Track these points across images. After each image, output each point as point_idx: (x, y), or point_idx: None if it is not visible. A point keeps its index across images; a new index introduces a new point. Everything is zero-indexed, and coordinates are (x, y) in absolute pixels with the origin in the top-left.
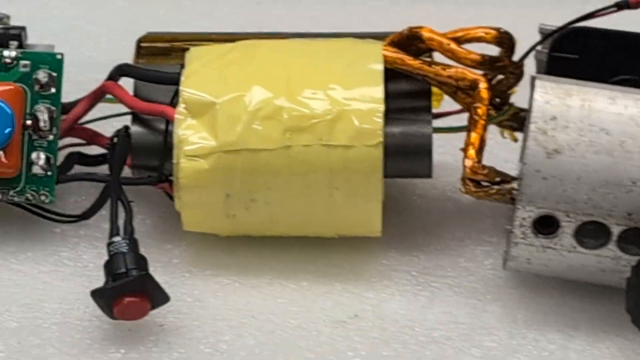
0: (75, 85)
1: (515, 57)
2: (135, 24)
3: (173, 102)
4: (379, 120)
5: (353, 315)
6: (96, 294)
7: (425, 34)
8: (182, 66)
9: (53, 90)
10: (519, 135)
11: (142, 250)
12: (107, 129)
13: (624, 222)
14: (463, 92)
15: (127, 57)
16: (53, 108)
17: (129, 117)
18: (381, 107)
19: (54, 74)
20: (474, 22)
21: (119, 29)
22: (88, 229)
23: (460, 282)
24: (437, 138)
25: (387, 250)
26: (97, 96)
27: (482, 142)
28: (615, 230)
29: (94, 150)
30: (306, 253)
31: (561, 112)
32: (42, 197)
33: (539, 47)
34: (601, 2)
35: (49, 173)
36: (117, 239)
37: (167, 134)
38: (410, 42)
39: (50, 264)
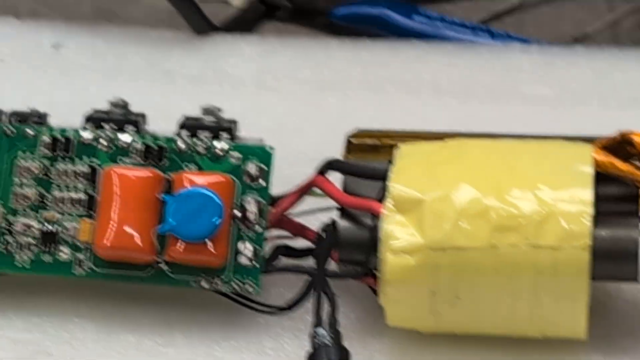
0: (283, 179)
1: None
2: (344, 120)
3: (381, 198)
4: (588, 222)
5: None
6: None
7: (637, 139)
8: (391, 162)
9: (262, 182)
10: None
11: (345, 343)
12: (314, 222)
13: None
14: None
15: (336, 152)
16: (261, 200)
17: (336, 211)
18: (590, 209)
19: (264, 167)
20: None
21: (329, 125)
22: (292, 320)
23: None
24: None
25: (592, 353)
26: (305, 190)
27: None
28: None
29: (301, 242)
30: (509, 353)
31: None
32: (248, 288)
33: None
34: None
35: (256, 264)
36: (320, 331)
37: (374, 229)
38: (621, 146)
39: (253, 353)
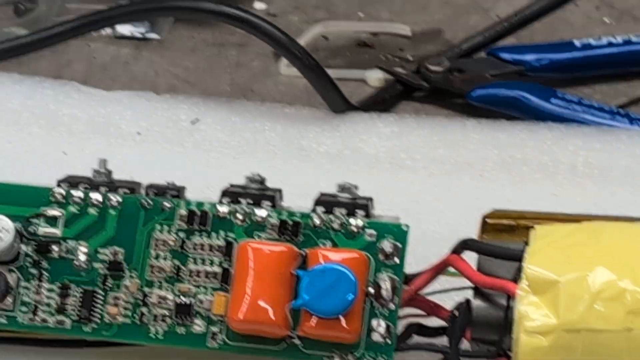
0: (417, 257)
1: None
2: (479, 200)
3: (515, 278)
4: None
5: None
6: None
7: None
8: (526, 243)
9: (397, 260)
10: None
11: None
12: (448, 301)
13: None
14: None
15: (470, 232)
16: (396, 278)
17: (469, 291)
18: None
19: (399, 245)
20: None
21: (464, 205)
22: None
23: None
24: None
25: None
26: (439, 269)
27: None
28: None
29: (434, 321)
30: None
31: None
32: None
33: None
34: None
35: (389, 341)
36: None
37: (508, 309)
38: None
39: None
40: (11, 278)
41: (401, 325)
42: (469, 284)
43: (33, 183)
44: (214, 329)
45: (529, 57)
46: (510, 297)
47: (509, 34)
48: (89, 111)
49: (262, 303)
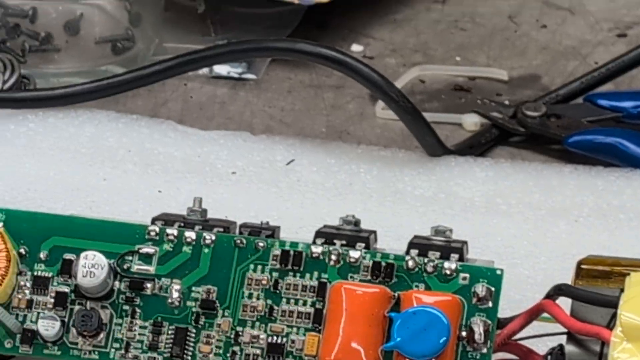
0: (510, 302)
1: None
2: (575, 246)
3: (610, 325)
4: None
5: None
6: None
7: None
8: (622, 290)
9: (490, 304)
10: None
11: None
12: (541, 346)
13: None
14: None
15: (564, 278)
16: (489, 322)
17: (563, 337)
18: None
19: (492, 289)
20: None
21: (559, 251)
22: None
23: None
24: None
25: None
26: (533, 314)
27: None
28: None
29: None
30: None
31: None
32: None
33: None
34: None
35: None
36: None
37: (602, 356)
38: None
39: None
40: (104, 314)
41: None
42: (562, 329)
43: (127, 220)
44: None
45: (627, 103)
46: (604, 343)
47: (607, 81)
48: (185, 150)
49: (354, 344)
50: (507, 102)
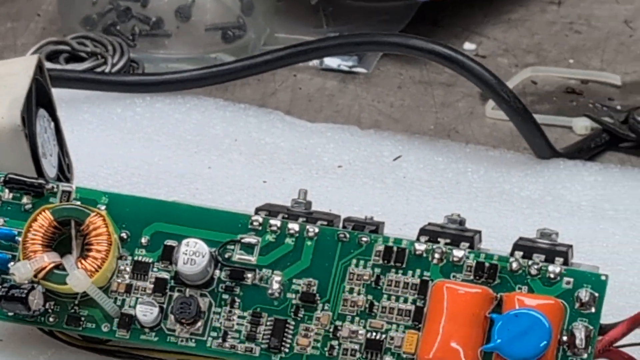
0: (613, 309)
1: None
2: None
3: None
4: None
5: None
6: None
7: None
8: None
9: (593, 309)
10: None
11: None
12: None
13: None
14: None
15: None
16: (591, 327)
17: None
18: None
19: (596, 294)
20: None
21: None
22: None
23: None
24: None
25: None
26: (636, 321)
27: None
28: None
29: None
30: None
31: None
32: None
33: None
34: None
35: None
36: None
37: None
38: None
39: None
40: (203, 303)
41: None
42: None
43: (231, 209)
44: None
45: None
46: None
47: None
48: (292, 141)
49: (453, 344)
50: (619, 107)
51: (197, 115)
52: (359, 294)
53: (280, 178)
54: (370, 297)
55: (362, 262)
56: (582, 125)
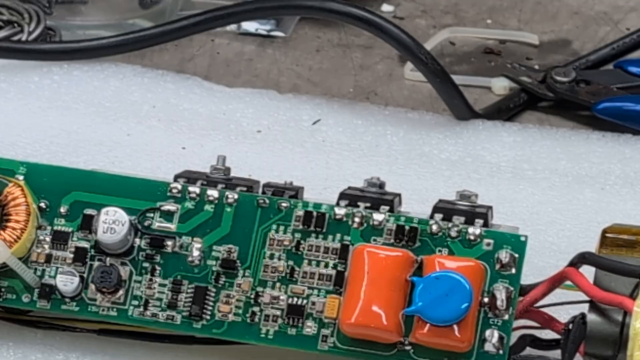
0: (533, 269)
1: None
2: (600, 214)
3: (633, 295)
4: None
5: None
6: None
7: None
8: None
9: (513, 270)
10: None
11: None
12: (563, 314)
13: None
14: None
15: (589, 246)
16: (511, 288)
17: (585, 305)
18: None
19: (516, 255)
20: None
21: (584, 219)
22: None
23: None
24: None
25: None
26: (555, 281)
27: None
28: None
29: (548, 334)
30: None
31: None
32: None
33: None
34: None
35: (501, 352)
36: None
37: (624, 326)
38: None
39: None
40: (124, 271)
41: (514, 337)
42: (585, 297)
43: (150, 177)
44: (325, 331)
45: None
46: (626, 313)
47: (638, 47)
48: (210, 107)
49: (375, 308)
50: (537, 67)
51: (116, 82)
52: (279, 259)
53: (199, 144)
54: (291, 262)
55: (282, 227)
56: (500, 86)
